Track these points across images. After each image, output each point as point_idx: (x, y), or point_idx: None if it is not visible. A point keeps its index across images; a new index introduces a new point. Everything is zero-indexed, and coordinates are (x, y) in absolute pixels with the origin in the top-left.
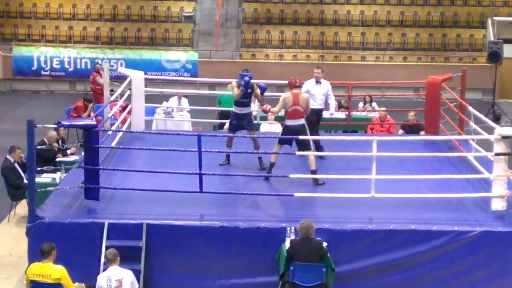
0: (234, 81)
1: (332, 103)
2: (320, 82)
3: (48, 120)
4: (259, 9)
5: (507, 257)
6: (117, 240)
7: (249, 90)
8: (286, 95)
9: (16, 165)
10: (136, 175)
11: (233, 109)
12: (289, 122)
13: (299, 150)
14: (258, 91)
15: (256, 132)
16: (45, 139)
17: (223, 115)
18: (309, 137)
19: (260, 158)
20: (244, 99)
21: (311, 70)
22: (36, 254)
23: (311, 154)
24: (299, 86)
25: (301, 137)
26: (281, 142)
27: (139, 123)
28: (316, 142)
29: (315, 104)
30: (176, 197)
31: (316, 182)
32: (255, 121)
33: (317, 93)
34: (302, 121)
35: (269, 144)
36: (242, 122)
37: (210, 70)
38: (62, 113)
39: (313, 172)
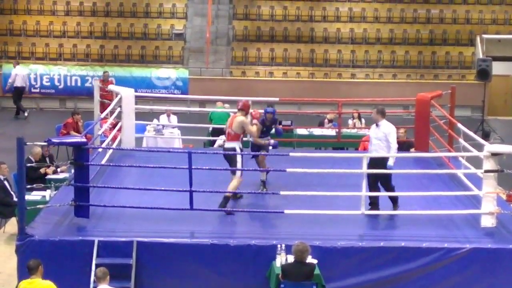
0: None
1: (390, 151)
2: (378, 125)
3: (38, 138)
4: (249, 26)
5: (497, 274)
6: (107, 258)
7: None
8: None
9: (5, 182)
10: (126, 193)
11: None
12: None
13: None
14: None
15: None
16: (30, 157)
17: (215, 132)
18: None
19: (263, 181)
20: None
21: (300, 87)
22: (26, 272)
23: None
24: (241, 109)
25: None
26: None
27: (130, 140)
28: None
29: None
30: (166, 214)
31: (224, 204)
32: None
33: (372, 137)
34: (232, 144)
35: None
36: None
37: (200, 88)
38: (52, 130)
39: (226, 197)
